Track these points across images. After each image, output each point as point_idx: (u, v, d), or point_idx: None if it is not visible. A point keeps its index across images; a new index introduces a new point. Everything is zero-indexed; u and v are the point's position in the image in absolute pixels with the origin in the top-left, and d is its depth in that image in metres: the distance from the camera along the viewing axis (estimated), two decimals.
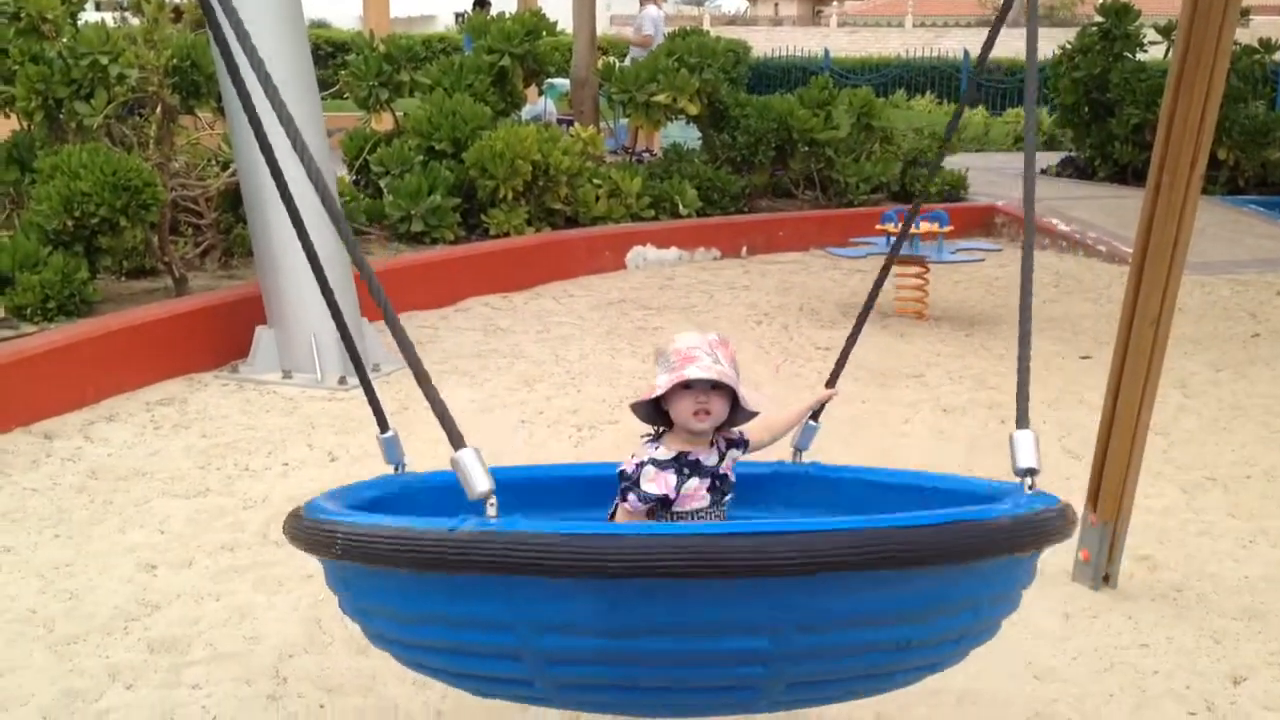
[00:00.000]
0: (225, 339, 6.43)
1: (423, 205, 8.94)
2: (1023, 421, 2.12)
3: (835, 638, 1.82)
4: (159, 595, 3.77)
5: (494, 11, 14.56)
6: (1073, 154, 15.22)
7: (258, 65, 1.83)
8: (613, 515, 2.54)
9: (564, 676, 1.87)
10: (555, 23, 11.30)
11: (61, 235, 6.59)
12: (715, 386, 2.42)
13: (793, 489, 2.79)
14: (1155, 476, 4.91)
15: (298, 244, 2.36)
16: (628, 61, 12.75)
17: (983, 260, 8.51)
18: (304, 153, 1.84)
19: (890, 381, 6.43)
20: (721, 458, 2.53)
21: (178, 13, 8.70)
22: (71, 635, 3.50)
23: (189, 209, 7.90)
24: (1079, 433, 5.47)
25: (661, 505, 2.44)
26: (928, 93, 24.84)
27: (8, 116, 7.82)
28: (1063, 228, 11.18)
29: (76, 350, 5.68)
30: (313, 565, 3.95)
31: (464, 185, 9.40)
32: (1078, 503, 4.07)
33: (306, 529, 2.02)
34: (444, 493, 2.40)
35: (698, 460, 2.47)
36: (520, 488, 2.64)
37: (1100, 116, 14.08)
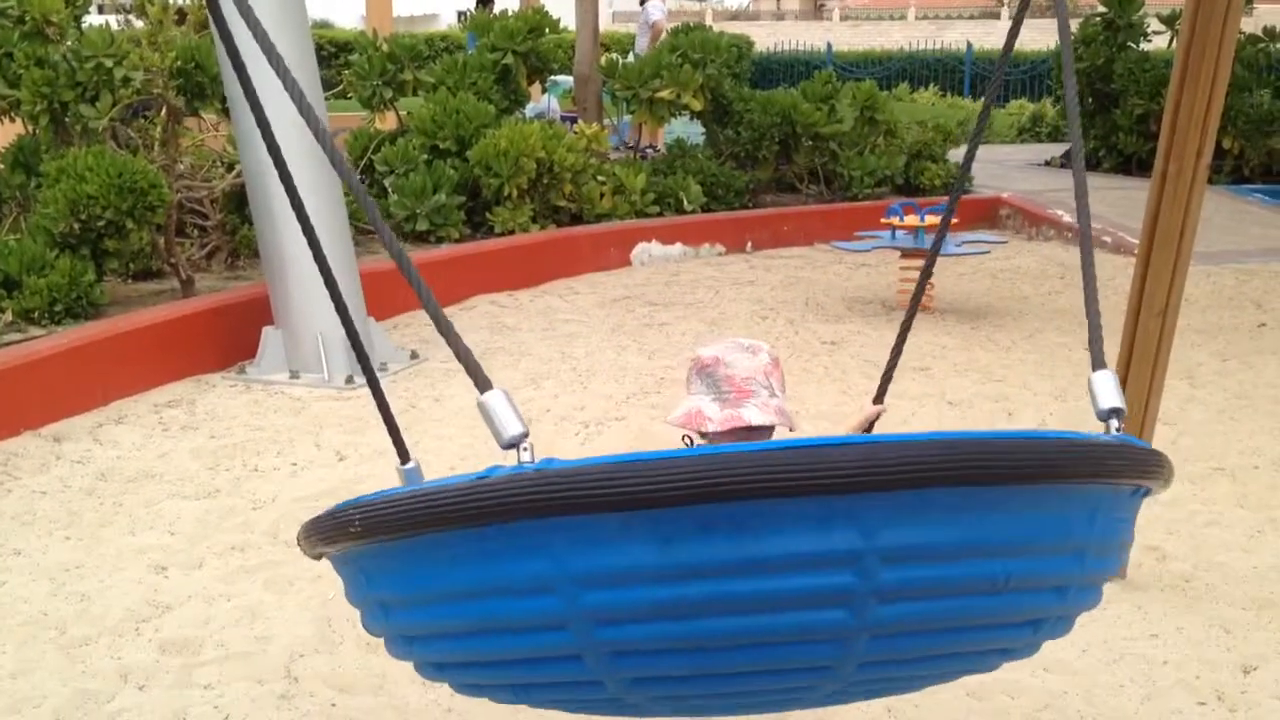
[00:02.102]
0: (232, 340, 6.44)
1: (427, 204, 8.96)
2: (1098, 363, 1.94)
3: (926, 571, 1.57)
4: (170, 596, 3.79)
5: (496, 9, 14.58)
6: None
7: (269, 50, 1.80)
8: None
9: (615, 644, 1.59)
10: (558, 20, 11.30)
11: (68, 238, 6.61)
12: None
13: None
14: None
15: (304, 244, 2.35)
16: (630, 57, 12.74)
17: (988, 252, 8.51)
18: (310, 116, 1.79)
19: (895, 375, 6.41)
20: None
21: (181, 15, 8.71)
22: (83, 637, 3.52)
23: (195, 210, 7.93)
24: (1087, 425, 5.46)
25: None
26: (931, 85, 24.81)
27: (13, 120, 7.84)
28: (1067, 219, 11.16)
29: (84, 353, 5.69)
30: (322, 565, 3.97)
31: (468, 184, 9.42)
32: None
33: (322, 522, 1.83)
34: None
35: None
36: None
37: (1104, 107, 14.06)
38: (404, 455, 2.11)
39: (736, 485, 1.41)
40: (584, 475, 1.45)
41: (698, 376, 2.26)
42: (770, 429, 2.21)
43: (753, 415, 2.17)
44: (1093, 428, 1.91)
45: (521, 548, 1.55)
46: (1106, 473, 1.67)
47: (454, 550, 1.63)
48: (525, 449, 1.58)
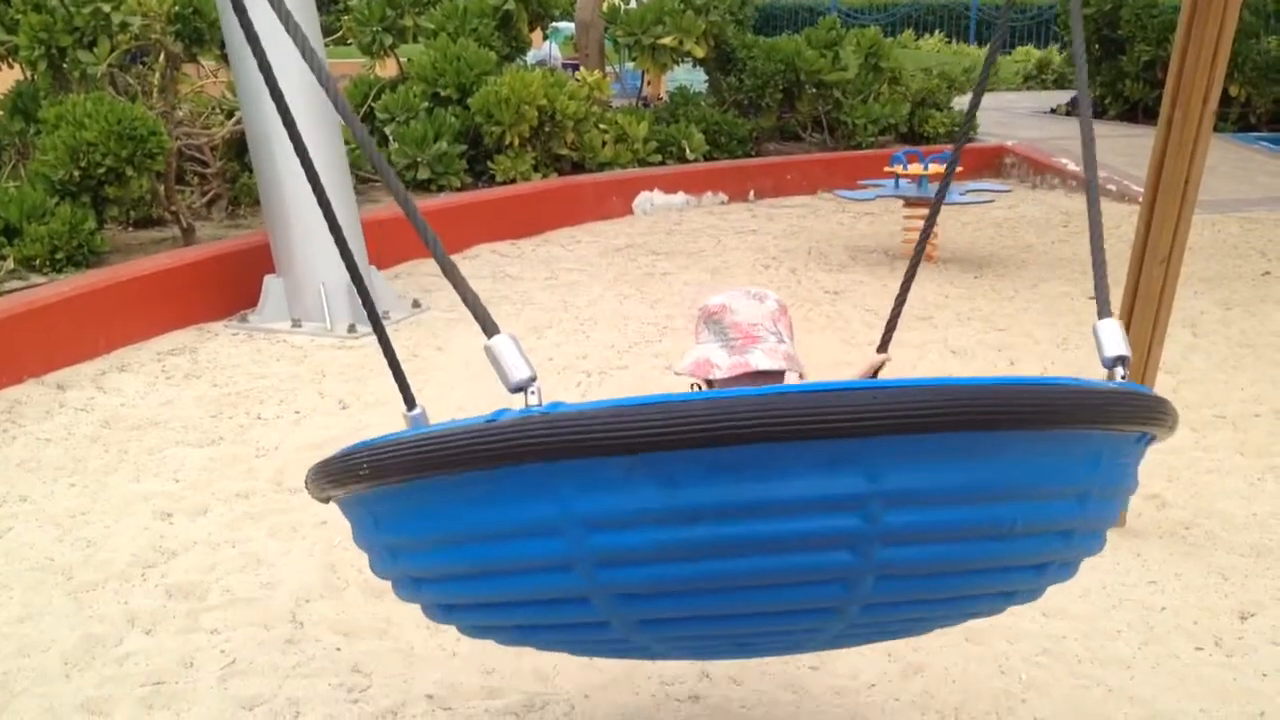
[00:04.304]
0: (234, 288, 6.44)
1: (429, 152, 8.91)
2: (1104, 311, 1.93)
3: (932, 515, 1.56)
4: (175, 542, 3.81)
5: None
6: None
7: None
8: None
9: (621, 586, 1.60)
10: None
11: (68, 185, 6.59)
12: None
13: None
14: None
15: (305, 192, 2.34)
16: (633, 3, 12.62)
17: (992, 201, 8.47)
18: (315, 63, 1.80)
19: (899, 323, 6.41)
20: None
21: None
22: (90, 582, 3.54)
23: (194, 158, 7.89)
24: (1088, 373, 5.46)
25: None
26: (936, 32, 24.57)
27: (11, 66, 7.79)
28: (1072, 167, 11.10)
29: (86, 301, 5.69)
30: (326, 512, 3.99)
31: (470, 131, 9.36)
32: None
33: (331, 465, 1.84)
34: None
35: None
36: None
37: (1111, 54, 13.94)
38: (410, 401, 2.11)
39: (743, 429, 1.39)
40: (591, 418, 1.44)
41: (705, 325, 2.21)
42: (779, 374, 2.14)
43: (759, 360, 2.12)
44: (1096, 375, 1.92)
45: (530, 490, 1.53)
46: (1111, 419, 1.65)
47: (463, 493, 1.61)
48: (533, 392, 1.59)
